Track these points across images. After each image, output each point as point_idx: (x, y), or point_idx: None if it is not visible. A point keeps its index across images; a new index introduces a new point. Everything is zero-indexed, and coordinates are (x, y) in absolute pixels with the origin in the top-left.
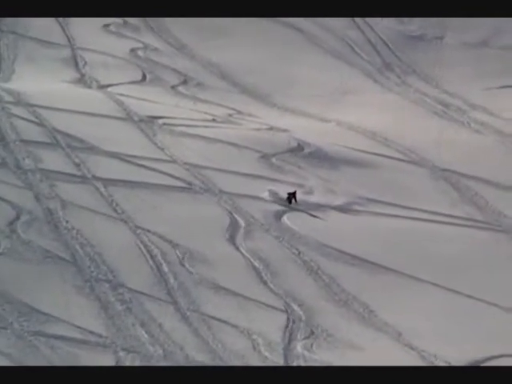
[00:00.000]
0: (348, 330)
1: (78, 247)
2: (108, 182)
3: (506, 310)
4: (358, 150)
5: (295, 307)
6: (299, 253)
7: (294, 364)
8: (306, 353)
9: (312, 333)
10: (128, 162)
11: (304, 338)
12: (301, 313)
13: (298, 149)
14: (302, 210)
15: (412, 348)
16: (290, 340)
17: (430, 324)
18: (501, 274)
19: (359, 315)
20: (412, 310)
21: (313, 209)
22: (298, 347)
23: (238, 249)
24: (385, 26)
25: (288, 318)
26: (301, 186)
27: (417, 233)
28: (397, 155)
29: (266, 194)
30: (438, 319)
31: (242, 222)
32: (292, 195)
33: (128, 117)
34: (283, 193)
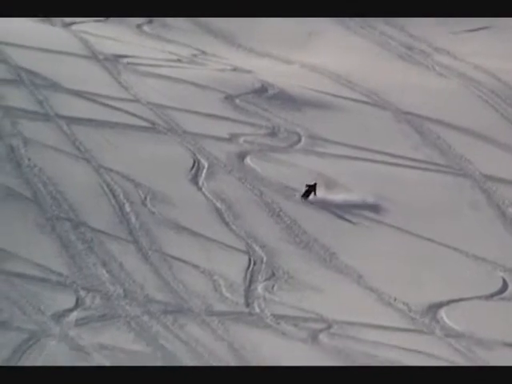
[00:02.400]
0: (309, 272)
1: (40, 185)
2: (71, 120)
3: (465, 254)
4: (322, 92)
5: (257, 248)
6: (261, 194)
7: (255, 304)
8: (266, 294)
9: (273, 274)
10: (92, 100)
11: (265, 280)
12: (262, 254)
13: (261, 90)
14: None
15: (372, 290)
16: (250, 281)
17: (391, 267)
18: (462, 219)
19: (320, 257)
20: (373, 253)
21: (276, 151)
22: (259, 289)
23: (200, 189)
24: None
25: (249, 260)
26: (264, 127)
27: (379, 175)
28: (360, 98)
29: None
30: (398, 262)
31: (204, 163)
32: (312, 188)
33: (93, 55)
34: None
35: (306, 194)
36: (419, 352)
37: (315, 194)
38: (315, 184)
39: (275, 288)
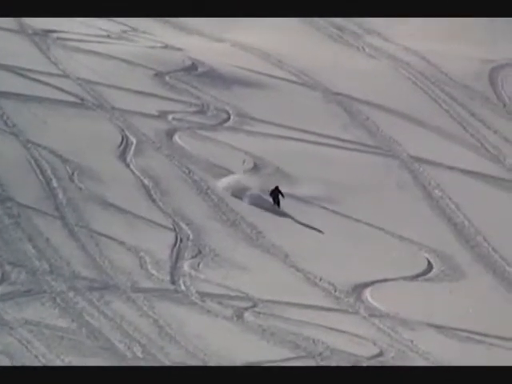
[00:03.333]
0: (235, 250)
1: None
2: None
3: (391, 234)
4: (252, 71)
5: (183, 226)
6: (189, 172)
7: (180, 282)
8: (192, 272)
9: (199, 252)
10: (20, 74)
11: (191, 257)
12: (189, 232)
13: (191, 68)
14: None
15: (298, 270)
16: (177, 259)
17: (317, 247)
18: (389, 199)
19: (247, 236)
20: (300, 233)
21: (205, 128)
22: (185, 266)
23: (128, 166)
24: None
25: (176, 237)
26: (193, 105)
27: (307, 155)
28: (290, 77)
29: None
30: (325, 242)
31: (133, 140)
32: (277, 192)
33: (21, 29)
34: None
35: (277, 201)
36: (344, 331)
37: (282, 195)
38: (277, 187)
39: (201, 266)
